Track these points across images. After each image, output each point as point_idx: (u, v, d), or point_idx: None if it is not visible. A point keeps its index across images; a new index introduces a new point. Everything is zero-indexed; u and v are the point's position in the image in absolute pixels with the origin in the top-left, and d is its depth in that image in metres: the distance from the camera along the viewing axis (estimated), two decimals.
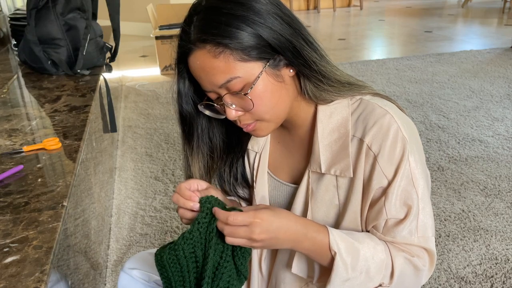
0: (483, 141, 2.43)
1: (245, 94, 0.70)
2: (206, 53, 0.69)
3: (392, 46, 4.86)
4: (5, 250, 0.67)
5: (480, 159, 2.24)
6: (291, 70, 0.74)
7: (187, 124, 0.82)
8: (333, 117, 0.77)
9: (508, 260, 1.54)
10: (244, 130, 0.77)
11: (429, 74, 3.63)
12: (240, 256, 0.72)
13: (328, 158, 0.77)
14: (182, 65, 0.75)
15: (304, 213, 0.81)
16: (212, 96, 0.74)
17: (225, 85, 0.70)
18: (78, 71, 1.70)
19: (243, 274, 0.74)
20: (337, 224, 0.79)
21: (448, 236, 1.67)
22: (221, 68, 0.69)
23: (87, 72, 1.72)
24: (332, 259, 0.72)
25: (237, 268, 0.73)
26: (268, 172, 0.88)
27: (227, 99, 0.72)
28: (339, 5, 7.52)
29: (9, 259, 0.65)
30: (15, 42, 2.11)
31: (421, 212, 0.74)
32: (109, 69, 1.90)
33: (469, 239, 1.65)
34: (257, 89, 0.70)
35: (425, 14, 6.86)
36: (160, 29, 3.86)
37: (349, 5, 7.74)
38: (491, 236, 1.66)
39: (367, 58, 4.28)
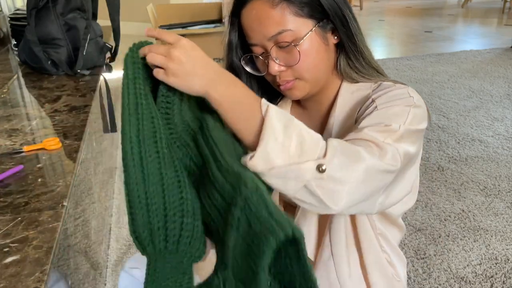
0: (483, 141, 2.43)
1: (295, 45, 0.73)
2: (264, 2, 0.72)
3: (392, 46, 4.86)
4: (5, 250, 0.67)
5: (480, 159, 2.24)
6: (336, 37, 0.78)
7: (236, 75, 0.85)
8: (354, 94, 0.80)
9: (508, 260, 1.54)
10: (282, 88, 0.79)
11: (429, 74, 3.63)
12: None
13: (338, 134, 0.79)
14: (235, 18, 0.79)
15: None
16: (258, 50, 0.77)
17: (275, 37, 0.73)
18: (78, 71, 1.70)
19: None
20: None
21: (448, 236, 1.67)
22: (276, 18, 0.72)
23: (87, 72, 1.72)
24: (260, 123, 0.62)
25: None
26: None
27: (273, 52, 0.75)
28: None
29: (9, 259, 0.65)
30: (15, 42, 2.10)
31: (404, 140, 0.68)
32: (109, 69, 1.90)
33: (469, 239, 1.65)
34: (304, 44, 0.74)
35: (425, 14, 6.85)
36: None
37: None
38: (491, 236, 1.66)
39: None
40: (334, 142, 0.64)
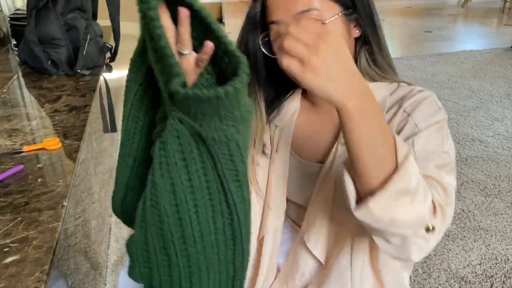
0: (483, 141, 2.43)
1: (323, 23, 0.71)
2: None
3: (392, 46, 4.86)
4: (5, 250, 0.67)
5: (480, 159, 2.24)
6: (357, 31, 0.77)
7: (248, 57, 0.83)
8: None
9: (508, 260, 1.54)
10: None
11: (429, 74, 3.63)
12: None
13: None
14: None
15: (331, 190, 0.79)
16: (277, 29, 0.75)
17: (301, 14, 0.71)
18: (78, 71, 1.70)
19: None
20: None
21: (448, 236, 1.67)
22: None
23: (87, 72, 1.72)
24: (390, 161, 0.55)
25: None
26: (291, 153, 0.87)
27: None
28: None
29: (9, 259, 0.65)
30: (15, 42, 2.10)
31: (450, 173, 0.69)
32: (109, 69, 1.90)
33: (469, 239, 1.65)
34: (328, 27, 0.72)
35: (425, 14, 6.86)
36: None
37: None
38: (491, 236, 1.66)
39: None
40: (435, 194, 0.62)
